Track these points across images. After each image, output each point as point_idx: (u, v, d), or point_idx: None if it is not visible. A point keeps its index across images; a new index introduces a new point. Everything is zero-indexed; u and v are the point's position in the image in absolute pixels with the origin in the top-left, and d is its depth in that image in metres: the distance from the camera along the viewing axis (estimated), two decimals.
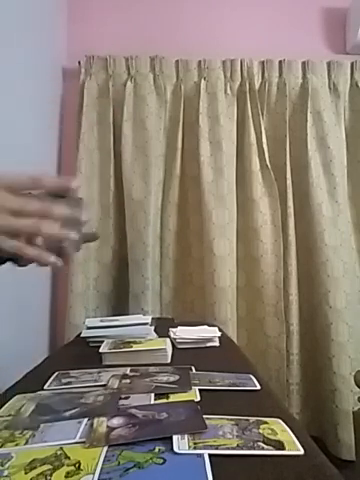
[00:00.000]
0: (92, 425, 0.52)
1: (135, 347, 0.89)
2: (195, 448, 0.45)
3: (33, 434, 0.50)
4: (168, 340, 0.96)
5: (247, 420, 0.53)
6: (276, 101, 1.85)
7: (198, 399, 0.61)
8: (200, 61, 1.83)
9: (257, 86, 1.83)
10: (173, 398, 0.62)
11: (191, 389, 0.66)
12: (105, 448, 0.46)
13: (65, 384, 0.72)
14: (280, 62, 1.85)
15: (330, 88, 1.84)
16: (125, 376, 0.74)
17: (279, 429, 0.51)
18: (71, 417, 0.55)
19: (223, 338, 1.11)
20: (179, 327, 1.14)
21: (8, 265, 0.59)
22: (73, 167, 1.72)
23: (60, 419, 0.55)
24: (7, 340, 1.27)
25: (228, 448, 0.45)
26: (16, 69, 1.37)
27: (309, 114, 1.79)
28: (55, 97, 1.83)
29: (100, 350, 0.88)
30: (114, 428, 0.50)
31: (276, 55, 1.86)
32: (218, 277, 1.64)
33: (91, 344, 1.05)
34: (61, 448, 0.46)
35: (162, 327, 1.15)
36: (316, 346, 1.68)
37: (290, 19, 1.98)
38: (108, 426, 0.51)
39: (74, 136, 1.76)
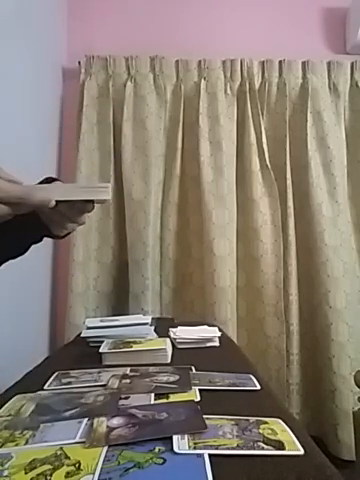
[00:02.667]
0: (92, 425, 0.52)
1: (135, 347, 0.89)
2: (195, 448, 0.45)
3: (33, 434, 0.50)
4: (168, 340, 0.96)
5: (247, 420, 0.53)
6: (276, 101, 1.85)
7: (198, 399, 0.61)
8: (200, 61, 1.83)
9: (257, 86, 1.83)
10: (173, 398, 0.62)
11: (191, 389, 0.66)
12: (105, 448, 0.46)
13: (65, 384, 0.72)
14: (280, 62, 1.85)
15: (330, 88, 1.84)
16: (125, 376, 0.74)
17: (279, 429, 0.51)
18: (71, 417, 0.55)
19: (223, 338, 1.11)
20: (179, 327, 1.15)
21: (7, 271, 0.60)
22: (73, 167, 1.72)
23: (60, 419, 0.54)
24: (7, 340, 1.27)
25: (228, 448, 0.45)
26: (16, 69, 1.37)
27: (309, 114, 1.79)
28: (55, 97, 1.83)
29: (100, 350, 0.88)
30: (114, 428, 0.50)
31: (276, 55, 1.86)
32: (218, 277, 1.64)
33: (91, 344, 1.05)
34: (61, 448, 0.46)
35: (162, 327, 1.15)
36: (316, 346, 1.68)
37: (290, 19, 1.98)
38: (108, 426, 0.51)
39: (74, 136, 1.76)
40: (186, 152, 1.80)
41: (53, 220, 0.60)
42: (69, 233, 0.64)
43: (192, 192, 1.78)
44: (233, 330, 1.65)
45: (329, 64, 1.86)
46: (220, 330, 1.14)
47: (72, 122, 1.79)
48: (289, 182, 1.76)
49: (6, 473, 0.41)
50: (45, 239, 0.66)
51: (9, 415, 0.57)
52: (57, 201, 0.53)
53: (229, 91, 1.82)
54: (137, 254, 1.66)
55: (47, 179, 0.64)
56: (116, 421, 0.52)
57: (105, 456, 0.44)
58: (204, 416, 0.53)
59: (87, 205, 0.58)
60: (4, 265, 0.65)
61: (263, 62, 1.85)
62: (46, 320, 1.67)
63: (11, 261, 0.66)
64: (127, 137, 1.75)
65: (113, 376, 0.74)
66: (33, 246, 0.66)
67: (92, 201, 0.58)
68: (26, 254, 0.67)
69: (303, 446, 0.47)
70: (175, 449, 0.45)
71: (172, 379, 0.71)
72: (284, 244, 1.73)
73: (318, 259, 1.68)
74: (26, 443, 0.48)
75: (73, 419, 0.54)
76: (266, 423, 0.53)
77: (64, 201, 0.54)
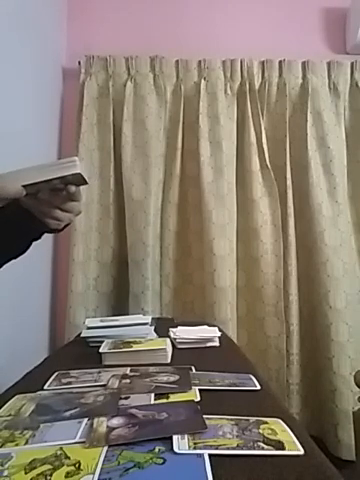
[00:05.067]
0: (92, 425, 0.52)
1: (135, 347, 0.89)
2: (195, 448, 0.45)
3: (33, 434, 0.50)
4: (168, 340, 0.96)
5: (247, 420, 0.53)
6: (276, 101, 1.85)
7: (198, 399, 0.62)
8: (200, 61, 1.83)
9: (257, 86, 1.83)
10: (173, 398, 0.62)
11: (191, 389, 0.66)
12: (105, 448, 0.46)
13: (65, 384, 0.72)
14: (280, 62, 1.85)
15: (330, 88, 1.84)
16: (125, 376, 0.74)
17: (279, 429, 0.51)
18: (71, 417, 0.55)
19: (223, 338, 1.11)
20: (179, 327, 1.15)
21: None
22: None
23: (60, 419, 0.55)
24: (7, 340, 1.27)
25: (228, 448, 0.45)
26: (16, 69, 1.37)
27: (309, 114, 1.79)
28: (55, 97, 1.83)
29: (100, 350, 0.88)
30: (114, 428, 0.50)
31: (276, 55, 1.86)
32: (218, 277, 1.64)
33: (91, 344, 1.05)
34: (61, 448, 0.46)
35: (162, 327, 1.15)
36: (316, 346, 1.68)
37: (290, 19, 1.98)
38: (108, 426, 0.51)
39: (74, 136, 1.75)
40: (186, 152, 1.80)
41: (45, 212, 0.59)
42: (68, 225, 0.63)
43: (192, 192, 1.77)
44: (233, 330, 1.65)
45: (329, 64, 1.86)
46: (220, 330, 1.14)
47: (72, 122, 1.79)
48: (289, 182, 1.76)
49: (6, 473, 0.41)
50: (45, 237, 0.66)
51: (9, 415, 0.57)
52: (28, 185, 0.53)
53: (229, 91, 1.81)
54: (137, 254, 1.66)
55: None
56: (116, 421, 0.53)
57: (105, 456, 0.44)
58: (204, 416, 0.53)
59: (70, 189, 0.57)
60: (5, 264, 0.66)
61: (263, 62, 1.85)
62: (46, 320, 1.67)
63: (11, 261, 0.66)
64: (127, 137, 1.75)
65: (113, 376, 0.74)
66: (34, 245, 0.66)
67: (76, 184, 0.57)
68: (26, 254, 0.67)
69: (303, 446, 0.47)
70: (175, 449, 0.45)
71: (172, 379, 0.71)
72: (284, 244, 1.73)
73: (318, 259, 1.68)
74: (26, 443, 0.48)
75: (73, 419, 0.54)
76: (266, 423, 0.53)
77: (33, 184, 0.53)
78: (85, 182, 0.58)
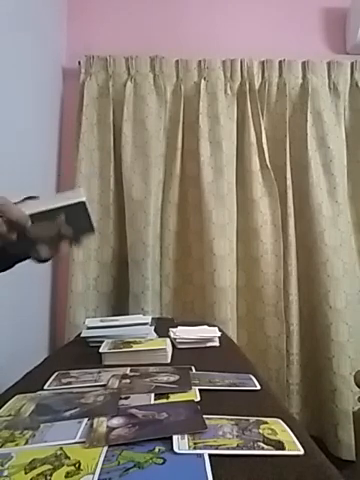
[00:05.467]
0: (92, 425, 0.52)
1: (135, 347, 0.89)
2: (195, 448, 0.45)
3: (33, 434, 0.50)
4: (168, 340, 0.96)
5: (247, 420, 0.53)
6: (276, 101, 1.85)
7: (198, 399, 0.62)
8: (200, 61, 1.83)
9: (257, 86, 1.83)
10: (173, 398, 0.62)
11: (191, 389, 0.66)
12: (105, 448, 0.46)
13: (65, 384, 0.72)
14: (280, 62, 1.85)
15: (330, 88, 1.84)
16: (125, 376, 0.74)
17: (279, 429, 0.51)
18: (71, 417, 0.55)
19: (223, 338, 1.11)
20: (179, 327, 1.15)
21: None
22: (73, 167, 1.72)
23: (60, 419, 0.55)
24: (7, 340, 1.27)
25: (228, 448, 0.45)
26: (16, 69, 1.37)
27: (309, 114, 1.79)
28: (55, 97, 1.83)
29: (100, 350, 0.88)
30: (114, 428, 0.50)
31: (276, 55, 1.86)
32: (218, 277, 1.64)
33: (91, 344, 1.05)
34: (61, 448, 0.46)
35: (162, 327, 1.15)
36: (316, 346, 1.68)
37: (290, 19, 1.98)
38: (108, 426, 0.51)
39: (74, 136, 1.75)
40: (186, 152, 1.80)
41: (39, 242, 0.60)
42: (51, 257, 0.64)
43: (192, 192, 1.77)
44: (233, 330, 1.65)
45: (329, 64, 1.86)
46: (220, 330, 1.14)
47: (72, 122, 1.79)
48: (289, 182, 1.76)
49: (6, 473, 0.41)
50: None
51: (9, 415, 0.58)
52: (34, 215, 0.54)
53: (229, 91, 1.81)
54: (137, 254, 1.66)
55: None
56: (116, 421, 0.53)
57: (105, 456, 0.44)
58: (204, 416, 0.53)
59: (80, 242, 0.62)
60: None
61: (263, 62, 1.85)
62: (46, 320, 1.67)
63: None
64: (127, 137, 1.75)
65: (113, 376, 0.74)
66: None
67: (83, 231, 0.61)
68: None
69: (303, 446, 0.47)
70: (175, 449, 0.45)
71: (172, 379, 0.71)
72: (284, 244, 1.73)
73: (318, 259, 1.68)
74: (26, 443, 0.48)
75: (73, 419, 0.54)
76: (266, 423, 0.53)
77: (39, 214, 0.55)
78: (92, 229, 0.62)
